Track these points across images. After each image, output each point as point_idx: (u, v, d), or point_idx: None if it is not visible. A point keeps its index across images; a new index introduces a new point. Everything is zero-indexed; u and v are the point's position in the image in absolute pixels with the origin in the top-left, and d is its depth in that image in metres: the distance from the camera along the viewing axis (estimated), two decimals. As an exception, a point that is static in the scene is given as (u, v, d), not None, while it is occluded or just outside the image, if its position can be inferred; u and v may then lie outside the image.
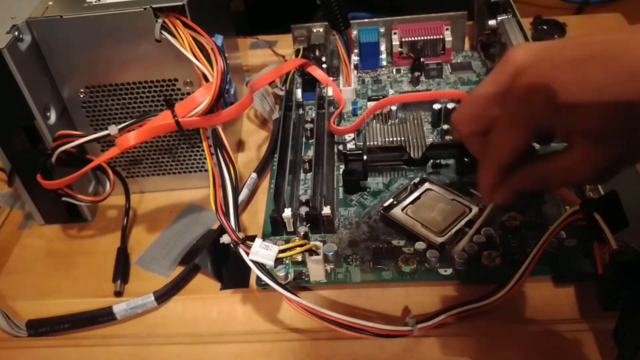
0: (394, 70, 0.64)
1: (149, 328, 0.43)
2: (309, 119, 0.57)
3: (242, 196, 0.51)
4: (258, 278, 0.42)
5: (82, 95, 0.47)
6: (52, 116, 0.47)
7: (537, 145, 0.42)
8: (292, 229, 0.46)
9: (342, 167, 0.52)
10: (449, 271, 0.43)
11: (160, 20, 0.43)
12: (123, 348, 0.42)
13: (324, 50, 0.63)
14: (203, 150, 0.46)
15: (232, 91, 0.51)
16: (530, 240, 0.44)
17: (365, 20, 0.64)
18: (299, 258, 0.44)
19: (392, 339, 0.39)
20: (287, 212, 0.45)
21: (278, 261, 0.40)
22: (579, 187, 0.47)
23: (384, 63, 0.65)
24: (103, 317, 0.43)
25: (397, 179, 0.51)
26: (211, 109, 0.42)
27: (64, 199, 0.47)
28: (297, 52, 0.63)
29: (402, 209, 0.47)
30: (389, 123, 0.57)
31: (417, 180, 0.49)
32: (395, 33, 0.64)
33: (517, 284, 0.39)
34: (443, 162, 0.52)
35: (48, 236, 0.52)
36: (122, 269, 0.47)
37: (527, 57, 0.31)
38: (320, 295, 0.43)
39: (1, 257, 0.50)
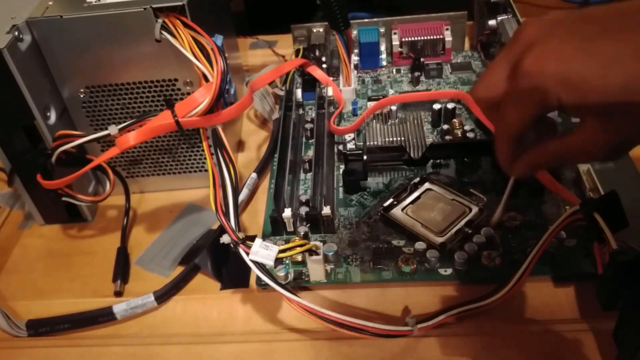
0: (394, 70, 0.64)
1: (149, 328, 0.43)
2: (309, 119, 0.57)
3: (242, 196, 0.51)
4: (258, 278, 0.42)
5: (82, 95, 0.47)
6: (52, 116, 0.47)
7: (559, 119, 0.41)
8: (292, 229, 0.46)
9: (342, 167, 0.52)
10: (449, 271, 0.43)
11: (160, 20, 0.43)
12: (123, 348, 0.42)
13: (324, 50, 0.63)
14: (203, 150, 0.46)
15: (232, 91, 0.51)
16: (530, 240, 0.44)
17: (365, 20, 0.64)
18: (299, 258, 0.44)
19: (392, 339, 0.39)
20: (287, 212, 0.45)
21: (278, 261, 0.40)
22: (579, 186, 0.47)
23: (384, 63, 0.65)
24: (103, 317, 0.43)
25: (397, 179, 0.51)
26: (211, 109, 0.42)
27: (64, 199, 0.47)
28: (297, 52, 0.63)
29: (402, 209, 0.47)
30: (389, 123, 0.57)
31: (417, 180, 0.49)
32: (395, 33, 0.64)
33: (517, 284, 0.39)
34: (443, 162, 0.52)
35: (48, 236, 0.52)
36: (122, 269, 0.47)
37: (537, 31, 0.31)
38: (320, 295, 0.43)
39: (1, 257, 0.50)
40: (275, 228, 0.47)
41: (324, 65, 0.62)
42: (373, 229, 0.47)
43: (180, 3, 0.42)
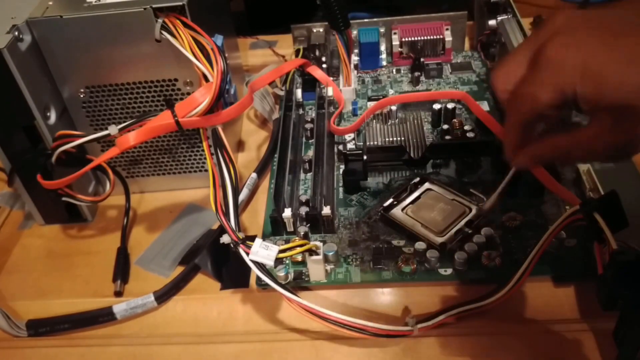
0: (394, 70, 0.64)
1: (149, 328, 0.43)
2: (309, 119, 0.57)
3: (242, 196, 0.51)
4: (258, 278, 0.42)
5: (82, 95, 0.47)
6: (52, 116, 0.47)
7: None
8: (292, 229, 0.46)
9: (342, 167, 0.52)
10: (449, 271, 0.43)
11: (160, 20, 0.43)
12: (123, 348, 0.42)
13: (324, 50, 0.63)
14: (203, 150, 0.46)
15: (232, 91, 0.51)
16: (530, 240, 0.44)
17: (365, 20, 0.64)
18: (299, 258, 0.44)
19: (392, 339, 0.39)
20: (287, 212, 0.45)
21: (278, 261, 0.40)
22: (579, 186, 0.47)
23: (384, 63, 0.65)
24: (103, 317, 0.43)
25: (397, 179, 0.51)
26: (211, 109, 0.42)
27: (64, 199, 0.47)
28: (297, 52, 0.63)
29: (402, 209, 0.47)
30: (389, 123, 0.57)
31: (417, 180, 0.49)
32: (395, 33, 0.64)
33: (517, 284, 0.39)
34: (443, 162, 0.52)
35: (48, 236, 0.52)
36: (122, 269, 0.47)
37: (565, 22, 0.31)
38: (320, 295, 0.43)
39: (1, 257, 0.50)
40: (275, 228, 0.47)
41: (324, 65, 0.62)
42: (373, 229, 0.47)
43: (180, 3, 0.42)
